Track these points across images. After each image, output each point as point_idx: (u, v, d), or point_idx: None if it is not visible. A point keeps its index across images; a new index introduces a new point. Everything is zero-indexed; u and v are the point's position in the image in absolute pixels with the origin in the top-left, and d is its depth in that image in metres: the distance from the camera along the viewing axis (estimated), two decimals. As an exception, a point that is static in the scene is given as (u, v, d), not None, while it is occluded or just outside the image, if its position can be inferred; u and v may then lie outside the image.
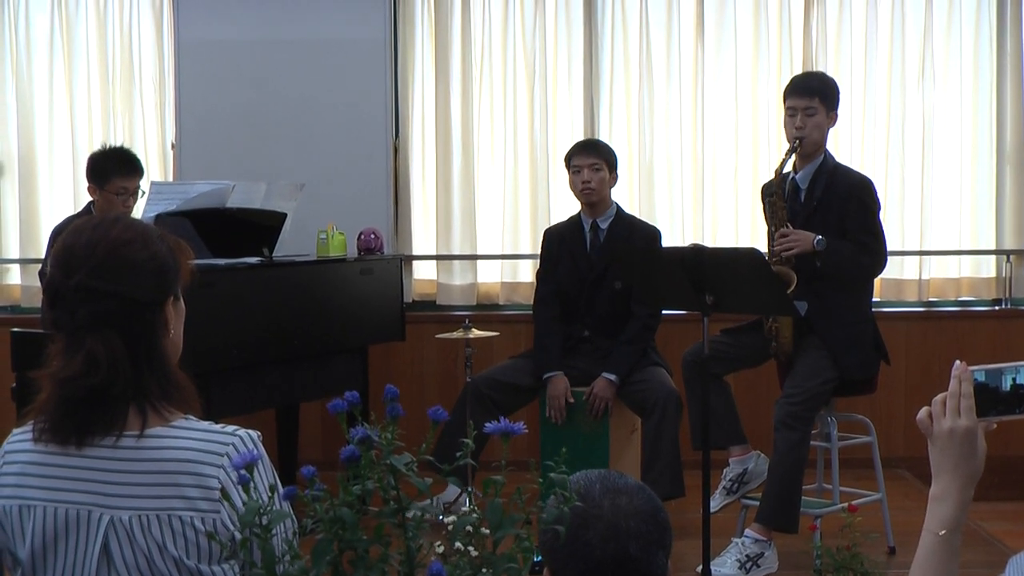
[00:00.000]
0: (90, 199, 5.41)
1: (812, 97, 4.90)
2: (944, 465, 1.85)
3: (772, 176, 5.01)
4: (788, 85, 5.06)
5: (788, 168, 4.96)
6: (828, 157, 4.98)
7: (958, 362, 1.86)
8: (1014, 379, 1.84)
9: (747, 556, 4.72)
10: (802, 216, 4.90)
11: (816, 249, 4.78)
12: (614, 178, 5.59)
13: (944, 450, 1.85)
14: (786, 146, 4.95)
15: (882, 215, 6.41)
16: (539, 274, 5.79)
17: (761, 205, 5.16)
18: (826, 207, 4.88)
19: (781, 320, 4.89)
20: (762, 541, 4.76)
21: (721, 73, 6.69)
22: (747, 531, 4.81)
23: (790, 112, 4.94)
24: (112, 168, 5.26)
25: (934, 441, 1.87)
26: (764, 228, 5.20)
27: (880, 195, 6.42)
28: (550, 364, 5.51)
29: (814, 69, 6.53)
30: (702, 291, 4.33)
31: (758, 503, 4.87)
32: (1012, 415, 1.86)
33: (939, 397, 1.86)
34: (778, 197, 4.93)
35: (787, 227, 4.86)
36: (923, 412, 1.88)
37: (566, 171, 5.61)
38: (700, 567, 4.43)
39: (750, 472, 5.04)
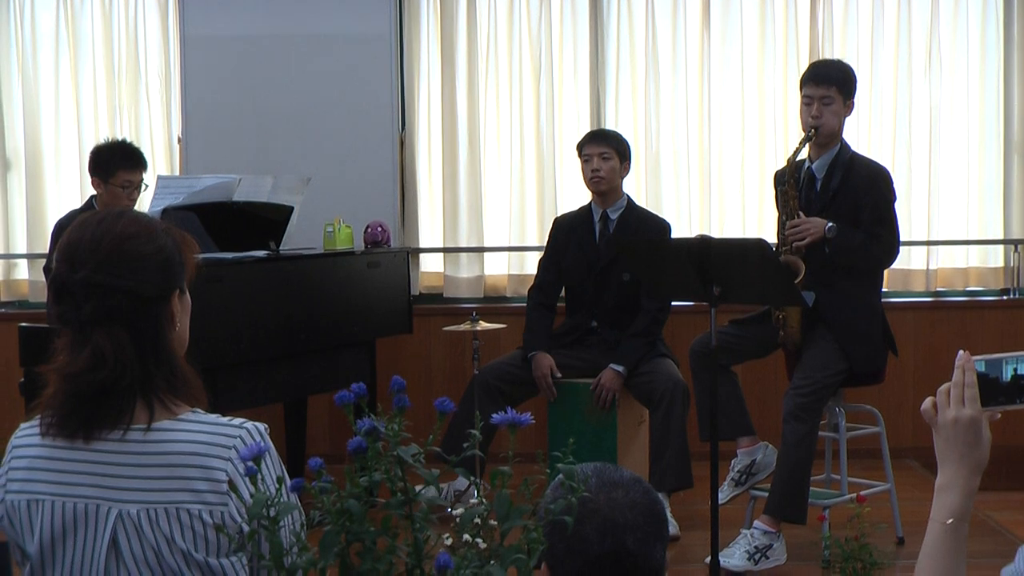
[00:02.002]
0: (93, 193, 5.43)
1: (829, 86, 4.84)
2: (949, 454, 1.85)
3: (784, 164, 4.98)
4: (805, 72, 4.99)
5: (803, 156, 4.93)
6: (844, 146, 4.94)
7: (961, 352, 1.85)
8: (1015, 369, 1.84)
9: (756, 547, 4.72)
10: (818, 205, 4.87)
11: (827, 236, 4.76)
12: (626, 168, 5.57)
13: (949, 440, 1.85)
14: (795, 135, 4.92)
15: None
16: (541, 261, 5.79)
17: (773, 192, 5.12)
18: (842, 197, 4.85)
19: (788, 309, 4.87)
20: (771, 533, 4.75)
21: (727, 64, 6.68)
22: (756, 523, 4.80)
23: (806, 100, 4.87)
24: (117, 162, 5.29)
25: (939, 431, 1.86)
26: (771, 218, 5.17)
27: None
28: (533, 344, 5.53)
29: (821, 59, 6.50)
30: (709, 282, 4.32)
31: (766, 494, 4.87)
32: (1013, 405, 1.85)
33: (943, 387, 1.86)
34: (790, 186, 4.88)
35: (799, 216, 4.83)
36: (927, 402, 1.88)
37: (578, 160, 5.61)
38: (708, 559, 4.43)
39: (758, 463, 5.03)
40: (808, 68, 5.05)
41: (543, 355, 5.49)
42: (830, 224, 4.75)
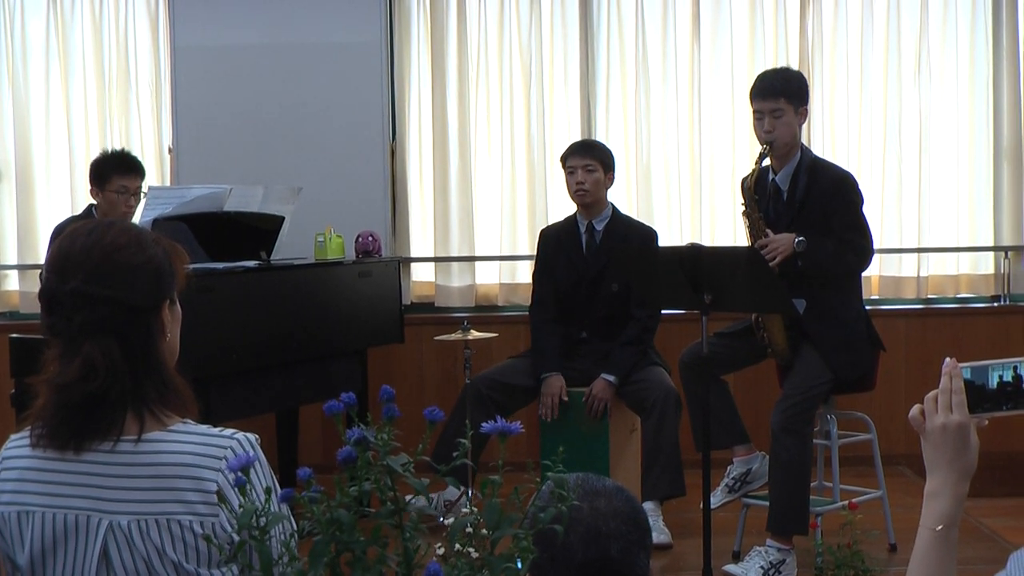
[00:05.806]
0: (91, 202, 5.44)
1: (777, 98, 4.75)
2: (938, 461, 1.86)
3: (751, 171, 4.93)
4: (753, 86, 4.88)
5: (765, 162, 4.86)
6: (804, 152, 4.88)
7: (948, 359, 1.86)
8: (1000, 376, 1.85)
9: (771, 563, 4.68)
10: (787, 217, 4.82)
11: (797, 250, 4.70)
12: (610, 179, 5.57)
13: (937, 446, 1.86)
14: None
15: (879, 212, 6.46)
16: (535, 276, 5.79)
17: (742, 199, 5.06)
18: (810, 207, 4.79)
19: (770, 329, 4.85)
20: (784, 549, 4.72)
21: (717, 72, 6.69)
22: (768, 540, 4.77)
23: (757, 116, 4.80)
24: (111, 168, 5.31)
25: (927, 437, 1.87)
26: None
27: (877, 192, 6.50)
28: (547, 365, 5.51)
29: (810, 66, 6.54)
30: (700, 290, 4.32)
31: (759, 503, 4.87)
32: (999, 412, 1.86)
33: (930, 394, 1.87)
34: (752, 208, 4.84)
35: (766, 235, 4.76)
36: (915, 409, 1.88)
37: (563, 171, 5.61)
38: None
39: (754, 472, 5.03)
40: (755, 81, 4.92)
41: (557, 377, 5.47)
42: (799, 238, 4.69)
